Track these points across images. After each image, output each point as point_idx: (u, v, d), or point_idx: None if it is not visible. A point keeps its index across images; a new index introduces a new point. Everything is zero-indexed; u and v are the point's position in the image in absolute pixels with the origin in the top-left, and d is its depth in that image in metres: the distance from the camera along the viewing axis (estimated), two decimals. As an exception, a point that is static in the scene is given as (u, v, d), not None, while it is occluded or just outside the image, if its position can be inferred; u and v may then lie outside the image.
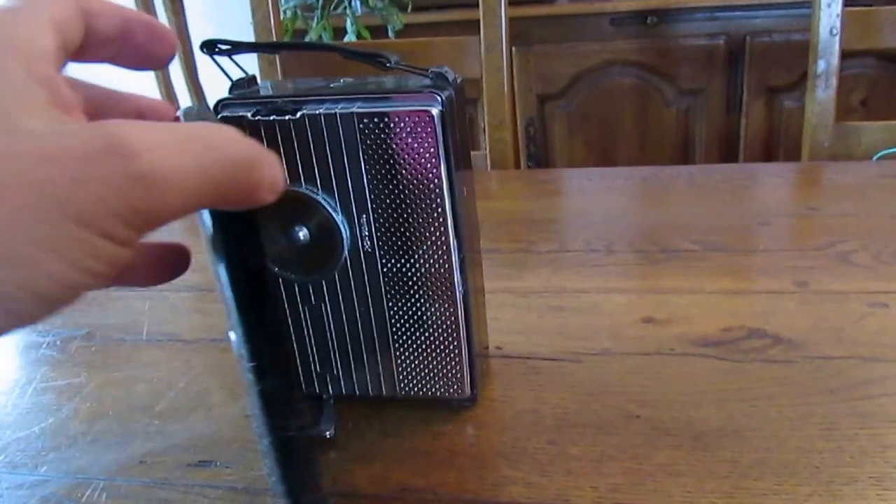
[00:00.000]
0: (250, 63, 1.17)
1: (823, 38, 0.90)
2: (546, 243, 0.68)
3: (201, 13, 1.57)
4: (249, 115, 0.38)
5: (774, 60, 1.71)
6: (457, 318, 0.41)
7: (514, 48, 1.83)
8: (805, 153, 0.97)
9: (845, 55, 0.91)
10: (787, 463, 0.37)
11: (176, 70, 1.39)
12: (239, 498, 0.39)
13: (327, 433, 0.43)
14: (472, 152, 1.22)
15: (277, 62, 1.12)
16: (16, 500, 0.41)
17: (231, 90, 0.41)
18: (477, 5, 1.05)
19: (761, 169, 0.98)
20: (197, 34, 1.38)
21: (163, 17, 1.35)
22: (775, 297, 0.54)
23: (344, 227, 0.40)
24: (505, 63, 1.07)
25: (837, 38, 0.89)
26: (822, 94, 0.91)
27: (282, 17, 1.55)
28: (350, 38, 1.61)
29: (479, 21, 1.06)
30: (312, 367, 0.45)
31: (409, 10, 1.71)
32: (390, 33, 1.64)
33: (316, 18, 1.63)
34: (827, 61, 0.89)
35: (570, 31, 1.84)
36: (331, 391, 0.45)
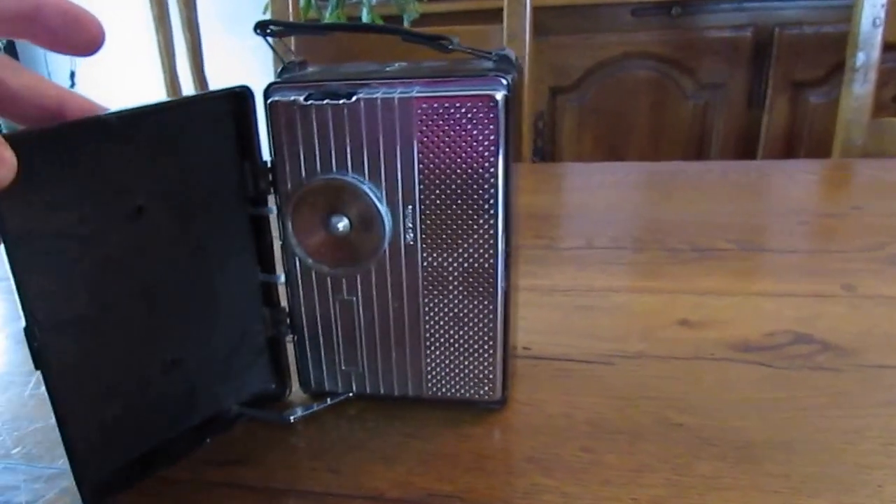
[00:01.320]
0: (263, 55, 1.15)
1: (865, 30, 0.87)
2: (570, 239, 0.66)
3: (214, 4, 1.55)
4: (301, 98, 0.37)
5: (803, 54, 1.68)
6: (495, 316, 0.40)
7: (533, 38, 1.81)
8: (836, 151, 0.95)
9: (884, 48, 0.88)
10: (845, 480, 0.35)
11: (183, 62, 1.37)
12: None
13: (291, 418, 0.42)
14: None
15: (292, 55, 1.10)
16: (34, 493, 0.39)
17: (280, 74, 0.39)
18: (495, -8, 1.03)
19: (794, 165, 0.95)
20: (207, 28, 1.36)
21: (174, 9, 1.33)
22: (821, 300, 0.52)
23: (387, 217, 0.38)
24: (527, 54, 1.06)
25: (880, 29, 0.86)
26: (860, 88, 0.89)
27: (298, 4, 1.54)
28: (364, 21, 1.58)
29: (496, 11, 1.04)
30: (337, 363, 0.43)
31: (425, -2, 1.68)
32: (406, 23, 1.62)
33: (330, 7, 1.60)
34: (867, 54, 0.87)
35: (587, 21, 1.82)
36: (354, 389, 0.44)
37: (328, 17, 1.59)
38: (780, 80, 1.72)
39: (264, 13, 1.11)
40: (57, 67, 2.60)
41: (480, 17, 1.15)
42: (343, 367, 0.43)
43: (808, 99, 1.73)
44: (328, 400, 0.44)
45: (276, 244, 0.42)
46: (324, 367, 0.44)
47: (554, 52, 1.84)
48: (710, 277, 0.57)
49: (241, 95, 0.39)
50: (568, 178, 0.91)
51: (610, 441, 0.39)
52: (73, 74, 2.60)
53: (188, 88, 1.39)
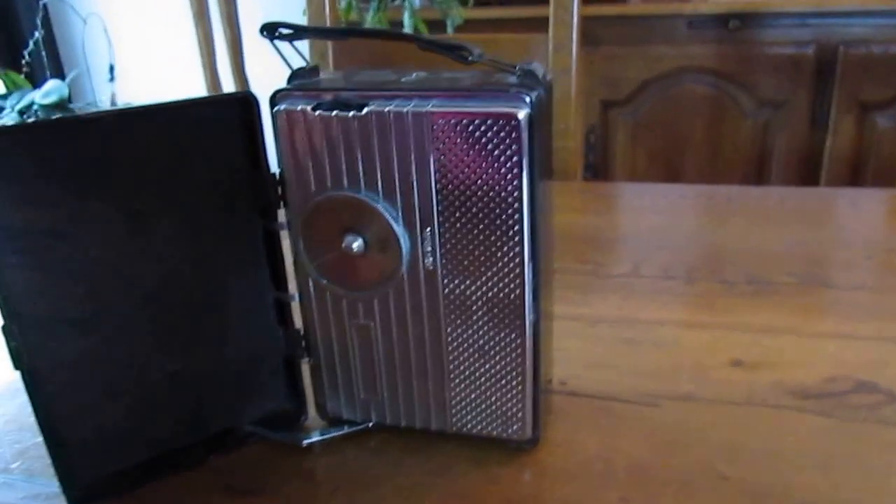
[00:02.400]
0: (299, 57, 1.15)
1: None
2: (617, 265, 0.64)
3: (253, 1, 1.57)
4: (310, 108, 0.36)
5: (870, 73, 1.64)
6: (524, 349, 0.38)
7: (582, 49, 1.80)
8: (908, 179, 0.91)
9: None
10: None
11: (223, 60, 1.38)
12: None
13: (305, 442, 0.42)
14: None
15: (330, 56, 1.11)
16: None
17: (290, 80, 0.39)
18: (544, 1, 1.02)
19: (860, 194, 0.92)
20: (248, 24, 1.37)
21: (214, 4, 1.35)
22: (888, 344, 0.49)
23: (404, 239, 0.37)
24: (574, 65, 1.04)
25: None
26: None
27: (338, 5, 1.55)
28: (406, 31, 1.59)
29: (544, 19, 1.03)
30: (356, 391, 0.42)
31: (470, 3, 1.68)
32: (449, 28, 1.62)
33: (372, 10, 1.61)
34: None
35: (641, 32, 1.79)
36: (374, 418, 0.43)
37: (370, 19, 1.60)
38: (845, 100, 1.68)
39: (304, 14, 1.12)
40: (96, 61, 2.66)
41: (526, 25, 1.14)
42: (362, 395, 0.42)
43: (875, 121, 1.68)
44: (346, 427, 0.43)
45: (290, 260, 0.41)
46: (341, 394, 0.43)
47: (605, 63, 1.82)
48: (766, 314, 0.54)
49: (245, 102, 0.38)
50: (618, 198, 0.90)
51: (651, 492, 0.37)
52: (112, 68, 2.66)
53: (229, 87, 1.41)
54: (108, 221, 0.36)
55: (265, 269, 0.42)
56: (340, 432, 0.43)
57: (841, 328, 0.52)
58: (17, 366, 0.35)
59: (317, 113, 0.36)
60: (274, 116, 0.37)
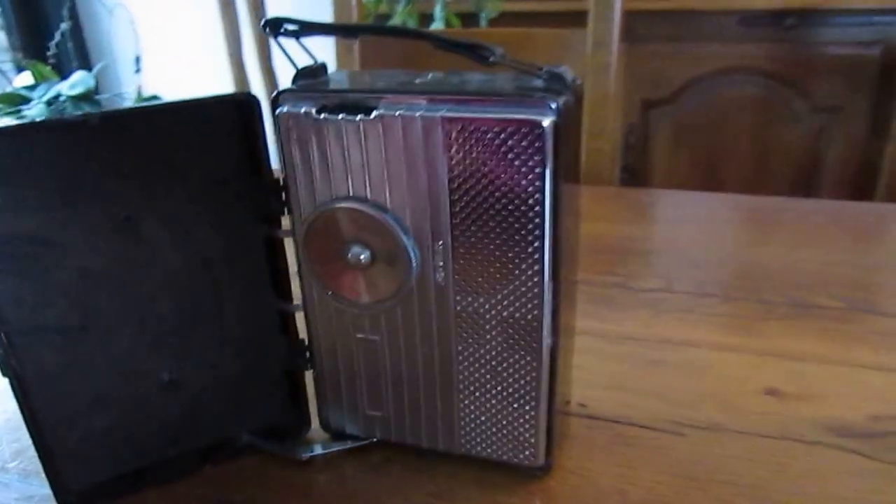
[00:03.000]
0: (326, 52, 1.14)
1: None
2: (647, 279, 0.62)
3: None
4: (314, 111, 0.35)
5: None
6: (539, 372, 0.37)
7: (623, 45, 1.77)
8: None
9: None
10: None
11: (251, 53, 1.38)
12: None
13: (304, 456, 0.41)
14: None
15: (356, 52, 1.10)
16: None
17: (295, 80, 0.38)
18: (585, -6, 1.00)
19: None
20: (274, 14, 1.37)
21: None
22: (942, 382, 0.47)
23: (414, 253, 0.36)
24: (614, 63, 1.02)
25: None
26: None
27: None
28: (437, 25, 1.58)
29: (583, 14, 1.01)
30: (360, 406, 0.41)
31: (506, -5, 1.66)
32: (482, 22, 1.61)
33: (402, 2, 1.60)
34: None
35: (688, 29, 1.76)
36: (378, 435, 0.42)
37: (399, 12, 1.59)
38: (911, 107, 1.62)
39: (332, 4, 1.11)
40: (122, 54, 2.69)
41: (565, 19, 1.12)
42: (366, 411, 0.42)
43: (942, 131, 1.63)
44: (349, 442, 0.43)
45: (294, 269, 0.40)
46: (345, 408, 0.42)
47: (648, 61, 1.79)
48: (808, 340, 0.52)
49: (244, 103, 0.37)
50: (652, 206, 0.88)
51: (669, 531, 0.36)
52: (138, 60, 2.69)
53: (255, 80, 1.41)
54: (96, 228, 0.36)
55: (266, 277, 0.41)
56: (342, 447, 0.43)
57: (890, 361, 0.50)
58: (4, 373, 0.35)
59: (321, 116, 0.35)
60: (276, 119, 0.36)
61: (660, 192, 1.16)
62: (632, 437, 0.43)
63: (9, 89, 1.85)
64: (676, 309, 0.57)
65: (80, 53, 2.41)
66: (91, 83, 1.72)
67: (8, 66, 1.98)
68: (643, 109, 1.88)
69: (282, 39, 0.36)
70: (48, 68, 1.86)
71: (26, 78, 1.85)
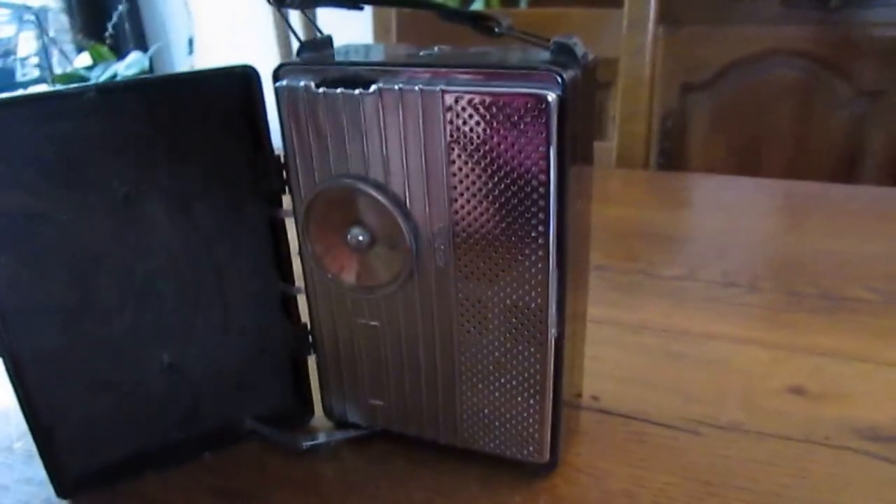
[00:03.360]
0: (363, 27, 1.11)
1: None
2: (670, 267, 0.59)
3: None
4: (313, 84, 0.33)
5: None
6: (544, 365, 0.34)
7: (661, 28, 1.70)
8: None
9: None
10: None
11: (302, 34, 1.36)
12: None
13: (305, 445, 0.39)
14: (597, 143, 1.13)
15: (394, 27, 1.06)
16: (22, 495, 0.38)
17: (300, 53, 0.35)
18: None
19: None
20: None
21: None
22: (982, 384, 0.43)
23: (413, 235, 0.33)
24: (649, 44, 0.97)
25: None
26: None
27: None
28: (477, 5, 1.54)
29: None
30: (362, 394, 0.39)
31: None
32: (522, 3, 1.56)
33: (442, -19, 1.56)
34: None
35: (729, 11, 1.69)
36: (380, 424, 0.39)
37: (439, -8, 1.55)
38: (960, 93, 1.53)
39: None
40: (176, 35, 2.70)
41: (605, 1, 1.07)
42: (369, 399, 0.39)
43: None
44: (352, 431, 0.40)
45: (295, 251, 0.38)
46: (347, 396, 0.40)
47: (686, 44, 1.72)
48: (838, 335, 0.48)
49: (244, 75, 0.35)
50: (683, 190, 0.83)
51: (679, 538, 0.33)
52: (191, 41, 2.70)
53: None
54: (95, 206, 0.34)
55: (269, 259, 0.39)
56: (343, 437, 0.40)
57: (926, 359, 0.45)
58: None
59: (320, 90, 0.32)
60: (276, 93, 0.34)
61: (691, 175, 1.11)
62: (646, 434, 0.40)
63: (69, 69, 1.87)
64: (699, 298, 0.53)
65: (136, 35, 2.42)
66: (145, 64, 1.73)
67: (69, 48, 2.00)
68: (681, 94, 1.81)
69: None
70: (106, 49, 1.87)
71: (86, 58, 1.87)
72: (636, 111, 1.00)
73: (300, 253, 0.37)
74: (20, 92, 0.33)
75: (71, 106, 0.33)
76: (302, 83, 0.33)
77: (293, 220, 0.36)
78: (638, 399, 0.42)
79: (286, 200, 0.37)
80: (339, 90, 0.32)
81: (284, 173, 0.36)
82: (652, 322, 0.50)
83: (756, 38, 1.68)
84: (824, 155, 1.71)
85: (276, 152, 0.36)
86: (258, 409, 0.41)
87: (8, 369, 0.34)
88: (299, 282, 0.38)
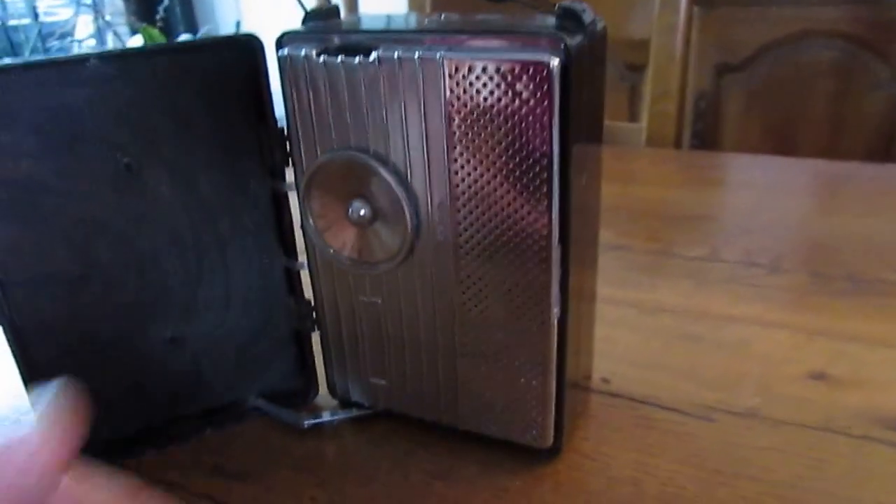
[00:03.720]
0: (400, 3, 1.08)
1: None
2: (692, 247, 0.55)
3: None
4: (314, 53, 0.31)
5: None
6: (546, 344, 0.32)
7: (695, 8, 1.64)
8: None
9: None
10: None
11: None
12: None
13: (306, 423, 0.38)
14: (627, 125, 1.09)
15: (427, 4, 1.04)
16: None
17: (304, 22, 0.34)
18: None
19: None
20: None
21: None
22: None
23: (413, 208, 0.31)
24: (681, 23, 0.93)
25: None
26: None
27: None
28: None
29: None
30: (364, 373, 0.37)
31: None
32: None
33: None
34: None
35: (765, -9, 1.62)
36: (382, 404, 0.37)
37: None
38: None
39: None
40: (225, 18, 2.71)
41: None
42: (371, 378, 0.37)
43: None
44: (354, 410, 0.38)
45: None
46: (349, 375, 0.38)
47: (721, 25, 1.65)
48: (863, 319, 0.45)
49: (248, 45, 0.33)
50: (714, 169, 0.79)
51: (685, 529, 0.30)
52: (238, 24, 2.71)
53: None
54: (96, 175, 0.33)
55: (272, 233, 0.37)
56: (346, 416, 0.39)
57: (957, 345, 0.42)
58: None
59: (321, 59, 0.30)
60: (279, 62, 0.32)
61: (720, 154, 1.07)
62: (656, 419, 0.37)
63: (123, 51, 1.89)
64: (720, 279, 0.50)
65: (186, 18, 2.44)
66: (195, 46, 1.73)
67: (123, 30, 2.01)
68: (716, 75, 1.75)
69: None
70: (157, 32, 1.88)
71: (138, 40, 1.88)
72: (667, 91, 0.96)
73: (302, 227, 0.35)
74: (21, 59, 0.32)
75: (73, 73, 0.31)
76: (303, 52, 0.31)
77: (296, 193, 0.34)
78: (650, 383, 0.40)
79: (289, 174, 0.35)
80: (339, 58, 0.30)
81: (288, 145, 0.34)
82: (670, 303, 0.48)
83: (792, 19, 1.60)
84: (861, 136, 1.64)
85: (280, 124, 0.34)
86: (262, 385, 0.39)
87: (9, 340, 0.33)
88: (302, 257, 0.37)
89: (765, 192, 0.68)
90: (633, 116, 1.50)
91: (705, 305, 0.47)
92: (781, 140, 1.72)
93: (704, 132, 1.79)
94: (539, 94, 0.27)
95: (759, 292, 0.48)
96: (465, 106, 0.28)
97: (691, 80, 1.72)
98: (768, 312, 0.46)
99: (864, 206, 0.63)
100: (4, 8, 2.12)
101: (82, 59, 0.31)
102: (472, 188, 0.30)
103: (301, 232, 0.35)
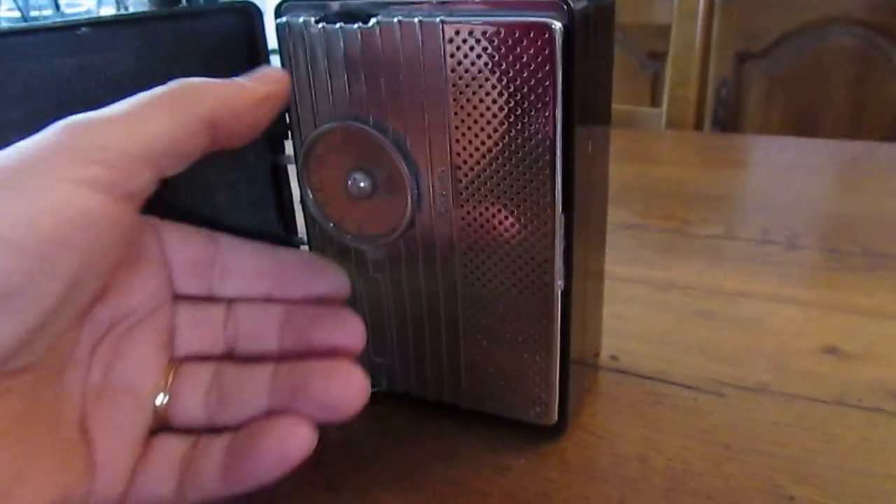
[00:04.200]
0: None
1: None
2: (707, 225, 0.53)
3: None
4: (313, 20, 0.29)
5: None
6: (550, 318, 0.30)
7: (716, -4, 1.60)
8: None
9: None
10: None
11: None
12: None
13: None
14: (646, 109, 1.06)
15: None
16: None
17: None
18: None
19: None
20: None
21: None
22: None
23: (414, 180, 0.29)
24: (701, 10, 0.90)
25: None
26: None
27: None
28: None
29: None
30: (365, 352, 0.36)
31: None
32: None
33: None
34: None
35: (786, -22, 1.57)
36: (384, 383, 0.36)
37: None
38: None
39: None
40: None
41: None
42: (372, 357, 0.36)
43: None
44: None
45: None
46: (353, 354, 0.36)
47: (742, 12, 1.61)
48: (880, 294, 0.42)
49: (245, 12, 0.31)
50: (732, 150, 0.77)
51: (692, 505, 0.28)
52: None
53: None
54: None
55: (272, 207, 0.35)
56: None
57: (977, 319, 0.39)
58: None
59: (320, 26, 0.29)
60: (277, 30, 0.30)
61: (738, 136, 1.04)
62: (665, 395, 0.35)
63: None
64: (735, 257, 0.48)
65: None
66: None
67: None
68: (737, 63, 1.70)
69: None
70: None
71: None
72: (687, 76, 0.93)
73: (301, 201, 0.34)
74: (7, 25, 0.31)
75: (63, 41, 0.29)
76: (302, 19, 0.29)
77: (295, 166, 0.33)
78: (660, 359, 0.38)
79: (288, 146, 0.33)
80: (338, 25, 0.29)
81: (286, 116, 0.33)
82: (682, 281, 0.46)
83: (814, 6, 1.55)
84: (882, 124, 1.58)
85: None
86: None
87: None
88: (302, 233, 0.35)
89: (783, 171, 0.65)
90: (656, 105, 1.47)
91: (718, 282, 0.45)
92: (802, 127, 1.67)
93: (726, 119, 1.74)
94: (541, 57, 0.25)
95: (773, 269, 0.46)
96: (466, 71, 0.27)
97: (713, 67, 1.68)
98: (782, 288, 0.44)
99: (881, 185, 0.60)
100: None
101: (72, 27, 0.29)
102: (474, 156, 0.28)
103: (300, 206, 0.34)
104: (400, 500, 0.30)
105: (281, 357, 0.26)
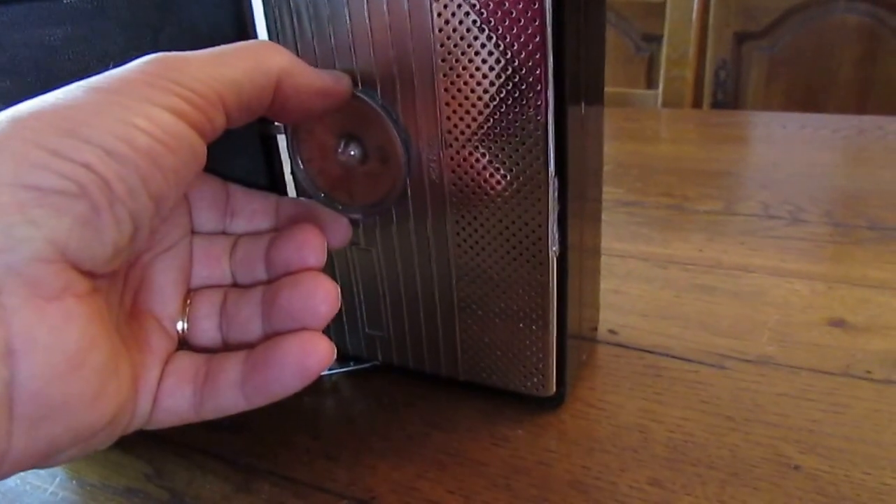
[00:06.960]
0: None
1: None
2: (706, 201, 0.54)
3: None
4: None
5: None
6: (545, 286, 0.30)
7: (714, -26, 1.60)
8: None
9: None
10: None
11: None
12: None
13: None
14: (642, 91, 1.06)
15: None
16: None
17: None
18: None
19: None
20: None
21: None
22: None
23: (405, 146, 0.29)
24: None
25: None
26: None
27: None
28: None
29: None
30: (360, 325, 0.36)
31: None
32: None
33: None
34: None
35: (787, -47, 1.57)
36: (380, 357, 0.36)
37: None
38: None
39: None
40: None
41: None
42: (367, 330, 0.36)
43: None
44: (352, 365, 0.37)
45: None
46: (346, 327, 0.37)
47: (741, -10, 1.62)
48: (887, 266, 0.43)
49: None
50: (732, 127, 0.77)
51: (692, 476, 0.29)
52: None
53: None
54: None
55: (262, 179, 0.35)
56: (342, 370, 0.37)
57: None
58: None
59: None
60: None
61: (738, 112, 1.04)
62: (664, 368, 0.36)
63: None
64: (735, 232, 0.48)
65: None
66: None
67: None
68: (736, 43, 1.71)
69: None
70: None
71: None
72: (683, 55, 0.93)
73: (292, 171, 0.34)
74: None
75: (50, 12, 0.29)
76: (289, -14, 0.29)
77: (285, 136, 0.33)
78: (659, 333, 0.38)
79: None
80: None
81: (276, 84, 0.33)
82: (682, 256, 0.46)
83: (815, -19, 1.56)
84: (888, 101, 1.59)
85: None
86: None
87: None
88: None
89: (785, 146, 0.66)
90: (651, 83, 1.47)
91: (719, 257, 0.45)
92: (806, 109, 1.68)
93: (725, 103, 1.75)
94: (530, 12, 0.25)
95: (776, 243, 0.47)
96: (454, 31, 0.27)
97: (711, 48, 1.69)
98: (785, 263, 0.44)
99: (886, 158, 0.60)
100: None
101: None
102: (464, 120, 0.28)
103: (291, 177, 0.34)
104: (398, 469, 0.30)
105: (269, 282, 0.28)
